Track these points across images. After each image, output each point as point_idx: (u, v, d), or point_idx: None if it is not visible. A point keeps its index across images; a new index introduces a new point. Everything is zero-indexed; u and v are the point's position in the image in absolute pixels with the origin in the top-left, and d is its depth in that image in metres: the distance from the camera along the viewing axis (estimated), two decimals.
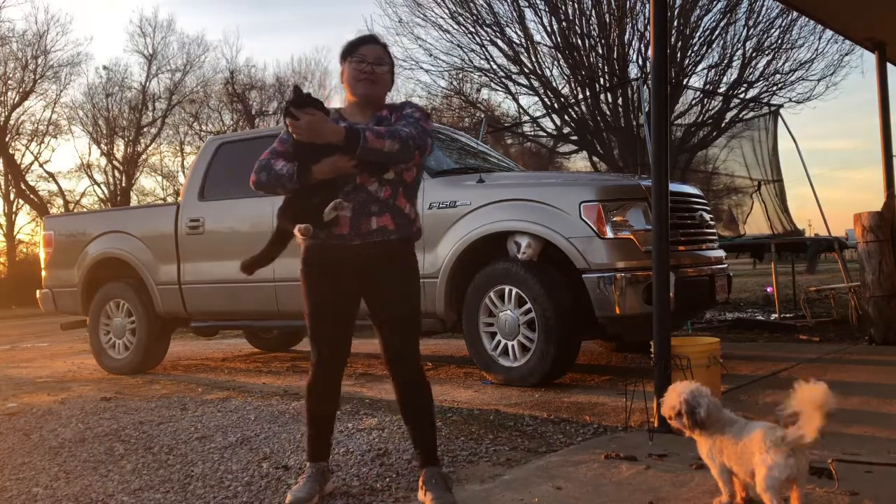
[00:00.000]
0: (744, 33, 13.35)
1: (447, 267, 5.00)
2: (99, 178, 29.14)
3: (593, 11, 13.59)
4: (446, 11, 14.07)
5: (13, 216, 28.00)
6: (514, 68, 14.52)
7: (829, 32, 12.50)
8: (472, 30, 14.16)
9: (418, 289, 2.82)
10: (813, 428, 2.08)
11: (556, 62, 14.35)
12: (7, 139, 25.98)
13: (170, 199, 27.52)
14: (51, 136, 27.50)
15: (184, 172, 27.88)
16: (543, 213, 4.75)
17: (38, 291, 7.20)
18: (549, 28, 13.82)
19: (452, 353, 6.72)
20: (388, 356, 2.76)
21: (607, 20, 13.41)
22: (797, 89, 14.16)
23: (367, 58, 2.74)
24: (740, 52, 13.51)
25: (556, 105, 14.43)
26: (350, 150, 2.54)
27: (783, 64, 13.82)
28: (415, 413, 2.78)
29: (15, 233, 28.05)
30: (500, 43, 14.20)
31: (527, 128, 14.58)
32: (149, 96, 28.27)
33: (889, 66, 7.41)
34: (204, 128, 29.07)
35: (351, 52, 2.76)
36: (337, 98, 29.07)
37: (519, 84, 14.85)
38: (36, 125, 27.21)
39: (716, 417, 2.35)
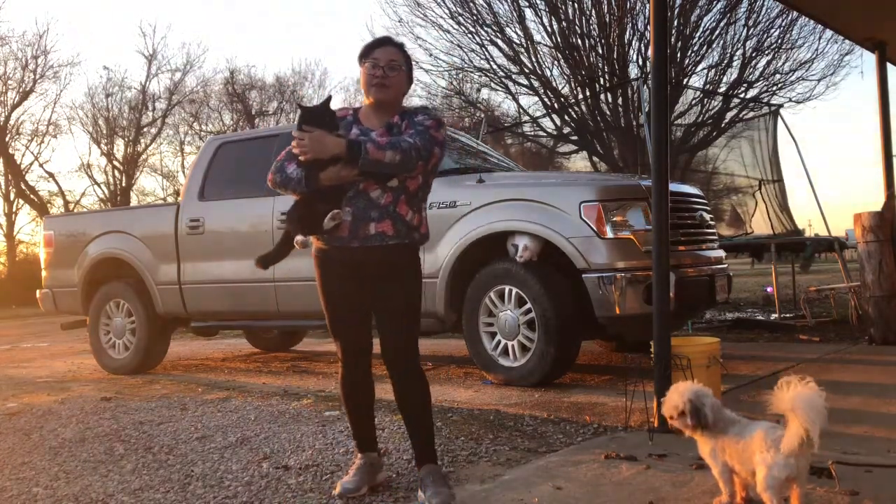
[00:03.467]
0: (744, 33, 13.32)
1: (447, 267, 5.00)
2: (99, 178, 29.15)
3: (593, 11, 13.56)
4: (446, 11, 14.05)
5: (13, 216, 28.00)
6: (514, 68, 14.50)
7: (829, 32, 12.48)
8: (472, 30, 14.15)
9: (418, 290, 2.86)
10: (794, 439, 2.08)
11: (556, 62, 14.33)
12: (7, 139, 25.97)
13: (170, 199, 27.52)
14: (51, 136, 27.51)
15: (184, 172, 27.88)
16: (543, 213, 4.75)
17: (38, 291, 7.20)
18: (549, 28, 13.80)
19: (452, 353, 6.72)
20: (386, 353, 2.81)
21: (607, 20, 13.39)
22: (797, 89, 14.14)
23: (380, 61, 2.75)
24: (740, 52, 13.49)
25: (556, 105, 14.41)
26: (352, 162, 2.61)
27: (783, 64, 13.81)
28: (410, 410, 2.83)
29: (15, 233, 28.06)
30: (500, 43, 14.18)
31: (527, 128, 14.56)
32: (149, 96, 28.29)
33: (889, 66, 7.41)
34: (204, 128, 29.08)
35: (366, 55, 2.79)
36: (337, 97, 29.08)
37: (519, 84, 14.83)
38: (36, 125, 27.24)
39: (718, 418, 2.35)
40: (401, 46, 2.84)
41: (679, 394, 2.39)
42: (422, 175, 2.77)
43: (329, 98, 2.81)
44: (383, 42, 2.83)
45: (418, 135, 2.70)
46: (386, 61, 2.75)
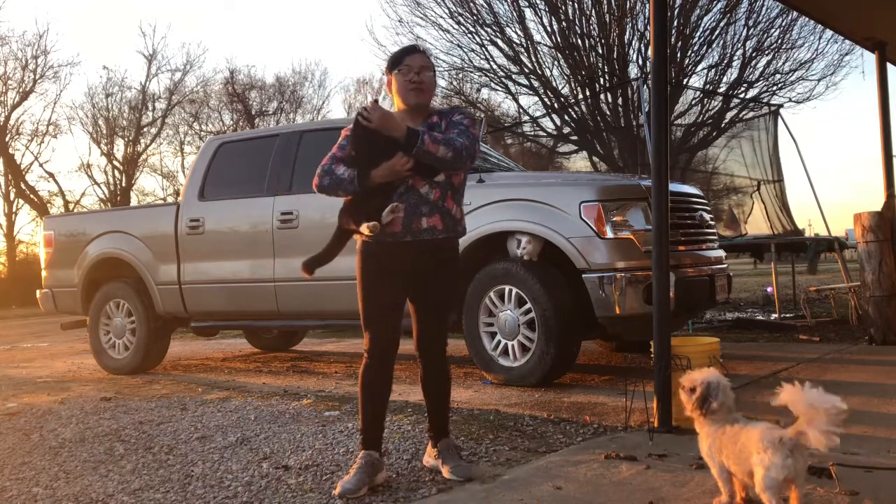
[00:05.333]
0: (744, 33, 13.32)
1: None
2: (99, 178, 29.17)
3: (593, 11, 13.57)
4: (446, 11, 14.05)
5: (13, 216, 28.01)
6: (514, 68, 14.50)
7: (829, 32, 12.48)
8: (472, 30, 14.15)
9: (458, 282, 3.07)
10: (818, 436, 2.07)
11: (556, 62, 14.34)
12: (7, 139, 25.98)
13: (170, 199, 27.52)
14: (51, 136, 27.57)
15: (184, 172, 27.90)
16: (543, 213, 4.75)
17: (38, 291, 7.20)
18: (549, 28, 13.80)
19: (452, 353, 6.70)
20: (422, 341, 3.02)
21: (607, 20, 13.39)
22: (797, 89, 14.14)
23: (414, 67, 2.91)
24: (740, 52, 13.49)
25: (556, 105, 14.41)
26: (408, 149, 2.76)
27: (783, 64, 13.80)
28: (436, 388, 3.08)
29: (15, 233, 28.06)
30: (500, 43, 14.18)
31: (527, 128, 14.57)
32: (149, 96, 28.30)
33: (889, 66, 7.41)
34: (204, 128, 29.11)
35: (397, 63, 2.94)
36: (337, 97, 29.09)
37: (519, 84, 14.83)
38: (36, 125, 27.28)
39: (723, 415, 2.36)
40: (425, 53, 3.02)
41: (702, 374, 2.46)
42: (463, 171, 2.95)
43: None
44: (411, 50, 2.98)
45: (463, 134, 2.85)
46: (418, 66, 2.91)
